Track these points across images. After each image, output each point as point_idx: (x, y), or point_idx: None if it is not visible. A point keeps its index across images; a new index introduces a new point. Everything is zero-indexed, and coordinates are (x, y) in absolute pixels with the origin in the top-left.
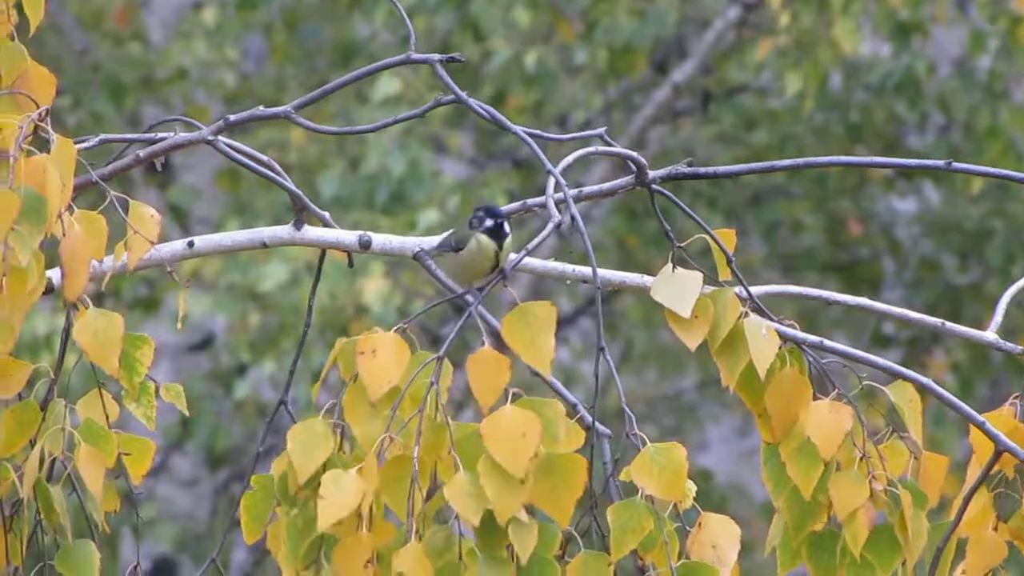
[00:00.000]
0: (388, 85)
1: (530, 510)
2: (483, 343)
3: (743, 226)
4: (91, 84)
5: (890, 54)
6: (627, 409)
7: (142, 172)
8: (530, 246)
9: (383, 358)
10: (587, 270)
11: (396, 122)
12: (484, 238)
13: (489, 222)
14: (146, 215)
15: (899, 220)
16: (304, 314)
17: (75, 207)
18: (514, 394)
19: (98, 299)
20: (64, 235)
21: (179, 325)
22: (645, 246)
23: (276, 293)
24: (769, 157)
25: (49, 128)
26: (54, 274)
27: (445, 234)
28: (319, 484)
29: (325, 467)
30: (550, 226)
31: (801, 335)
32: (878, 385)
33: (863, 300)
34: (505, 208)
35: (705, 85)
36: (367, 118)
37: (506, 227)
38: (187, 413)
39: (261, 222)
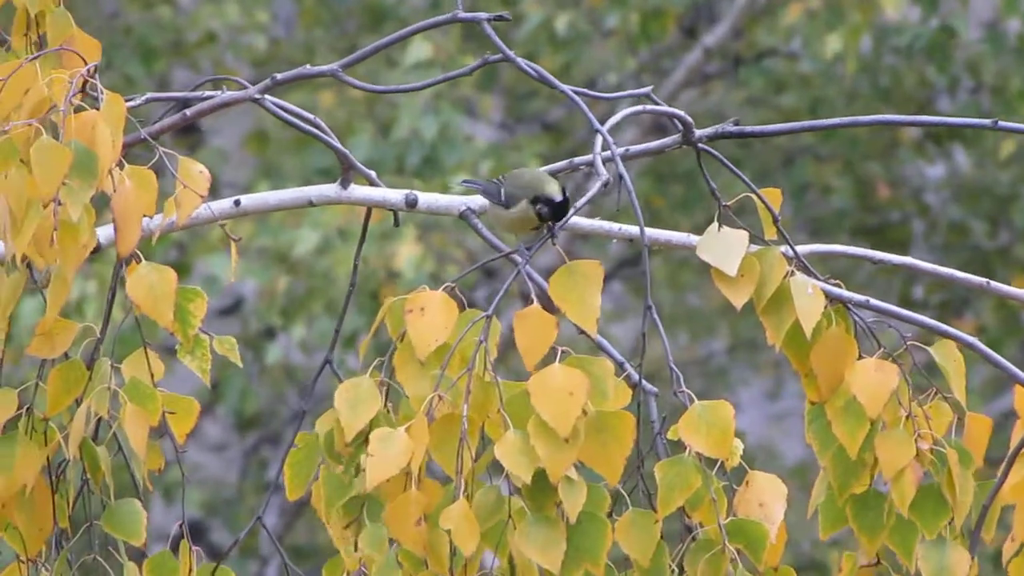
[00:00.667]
0: (420, 49)
1: (577, 468)
2: (532, 302)
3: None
4: (122, 47)
5: (919, 18)
6: (673, 367)
7: (171, 136)
8: (577, 204)
9: (431, 316)
10: (634, 229)
11: (443, 80)
12: (532, 208)
13: (545, 210)
14: (195, 171)
15: (928, 185)
16: (335, 279)
17: (125, 163)
18: (563, 352)
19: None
20: (114, 191)
21: (232, 278)
22: (672, 209)
23: (307, 258)
24: (799, 120)
25: (98, 84)
26: (100, 232)
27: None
28: (365, 441)
29: (371, 425)
30: (598, 184)
31: (847, 294)
32: (921, 344)
33: (908, 259)
34: (551, 167)
35: (735, 49)
36: (396, 82)
37: (556, 227)
38: (240, 364)
39: (290, 185)
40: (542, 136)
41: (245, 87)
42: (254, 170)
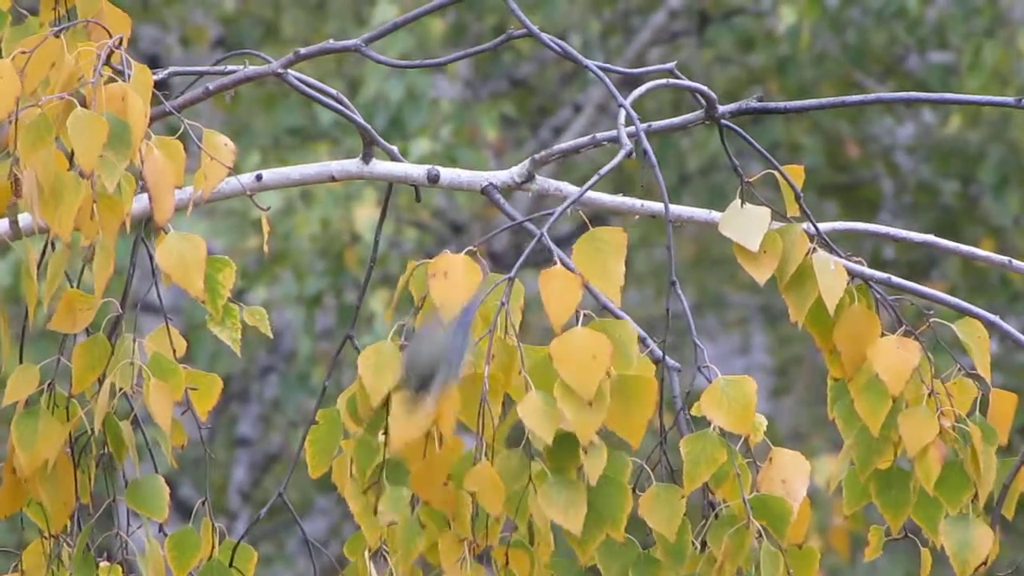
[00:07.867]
0: (386, 10)
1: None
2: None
3: (741, 147)
4: None
5: None
6: (696, 342)
7: None
8: (601, 172)
9: (454, 279)
10: (657, 205)
11: (464, 56)
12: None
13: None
14: (220, 143)
15: (898, 144)
16: (298, 241)
17: (152, 134)
18: (585, 315)
19: None
20: (142, 162)
21: (265, 248)
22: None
23: (271, 219)
24: (767, 79)
25: (124, 55)
26: None
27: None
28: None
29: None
30: (620, 155)
31: (869, 271)
32: (944, 321)
33: (928, 237)
34: (573, 143)
35: (702, 7)
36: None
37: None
38: (271, 335)
39: (256, 144)
40: (509, 94)
41: (268, 62)
42: (223, 127)
